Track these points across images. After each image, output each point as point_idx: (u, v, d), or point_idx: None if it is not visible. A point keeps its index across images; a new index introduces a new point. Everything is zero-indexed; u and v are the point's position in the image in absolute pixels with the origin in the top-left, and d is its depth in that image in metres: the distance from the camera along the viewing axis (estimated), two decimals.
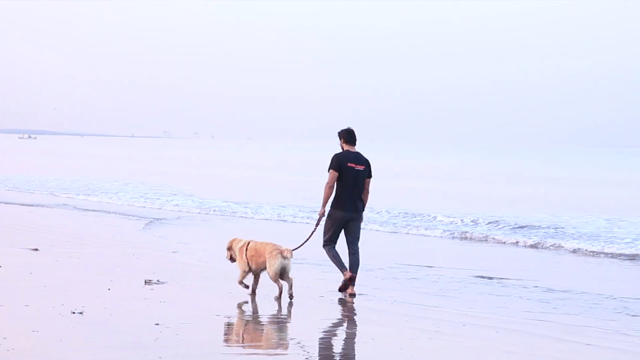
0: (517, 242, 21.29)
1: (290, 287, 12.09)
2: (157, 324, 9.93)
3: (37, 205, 28.26)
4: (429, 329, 10.49)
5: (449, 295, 13.28)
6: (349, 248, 12.90)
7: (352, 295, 12.58)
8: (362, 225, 13.37)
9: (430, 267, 16.39)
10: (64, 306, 10.71)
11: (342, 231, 12.93)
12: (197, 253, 17.23)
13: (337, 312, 11.71)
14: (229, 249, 12.59)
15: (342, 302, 12.31)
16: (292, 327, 10.70)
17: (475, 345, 9.80)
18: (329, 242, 12.93)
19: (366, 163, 12.88)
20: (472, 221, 24.90)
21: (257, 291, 12.38)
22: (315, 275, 14.77)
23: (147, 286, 12.70)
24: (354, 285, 12.68)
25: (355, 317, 11.47)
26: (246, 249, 12.27)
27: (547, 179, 59.89)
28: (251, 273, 12.33)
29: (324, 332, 10.32)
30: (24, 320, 9.86)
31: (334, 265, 12.96)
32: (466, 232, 22.90)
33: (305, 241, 12.83)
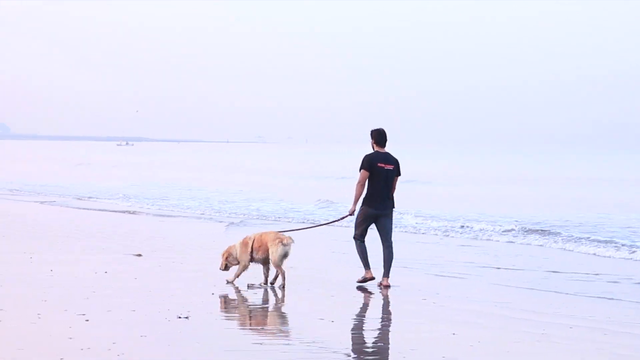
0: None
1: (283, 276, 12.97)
2: (261, 328, 10.00)
3: (138, 213, 28.74)
4: (534, 331, 10.31)
5: (553, 297, 13.06)
6: (382, 242, 13.51)
7: (387, 286, 13.22)
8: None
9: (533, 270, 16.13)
10: (170, 311, 10.85)
11: (375, 227, 13.54)
12: (299, 259, 17.28)
13: (438, 315, 11.55)
14: (227, 257, 13.33)
15: (439, 306, 12.13)
16: (396, 332, 10.60)
17: (586, 348, 9.59)
18: (359, 237, 13.57)
19: (395, 163, 13.51)
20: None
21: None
22: (418, 279, 14.67)
23: (249, 290, 12.79)
24: (388, 277, 13.37)
25: (456, 319, 11.32)
26: (252, 242, 13.11)
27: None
28: (261, 265, 13.20)
29: (426, 333, 10.22)
30: (132, 325, 10.02)
31: (359, 259, 13.55)
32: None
33: (311, 227, 14.06)
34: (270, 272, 13.29)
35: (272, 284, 13.22)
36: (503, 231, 22.57)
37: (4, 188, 40.36)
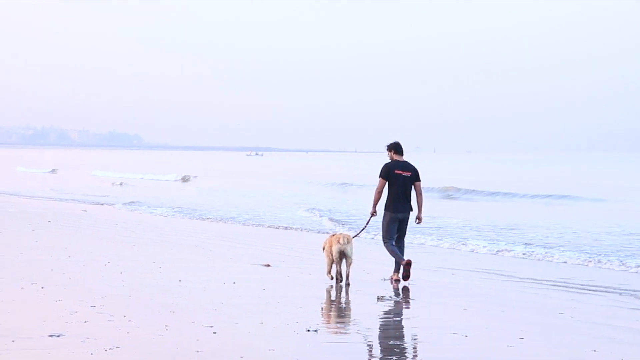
0: None
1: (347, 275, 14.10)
2: (393, 343, 9.61)
3: (261, 224, 28.74)
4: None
5: None
6: (396, 242, 14.74)
7: (398, 280, 14.49)
8: None
9: None
10: (298, 324, 10.59)
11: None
12: (427, 267, 16.85)
13: (575, 330, 10.94)
14: (324, 248, 14.60)
15: (577, 320, 11.51)
16: (534, 347, 10.06)
17: None
18: (387, 239, 14.68)
19: (413, 169, 14.69)
20: None
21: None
22: (496, 285, 14.06)
23: (380, 302, 12.44)
24: (399, 272, 14.57)
25: (595, 334, 10.69)
26: (328, 242, 14.41)
27: None
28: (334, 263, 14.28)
29: (565, 348, 9.65)
30: (259, 338, 9.77)
31: (393, 257, 14.67)
32: None
33: (359, 233, 15.50)
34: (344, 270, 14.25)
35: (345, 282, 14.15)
36: None
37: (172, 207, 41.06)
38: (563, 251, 19.71)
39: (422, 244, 21.61)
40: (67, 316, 10.57)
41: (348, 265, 14.11)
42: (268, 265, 16.19)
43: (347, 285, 13.94)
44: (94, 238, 20.79)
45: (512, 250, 19.92)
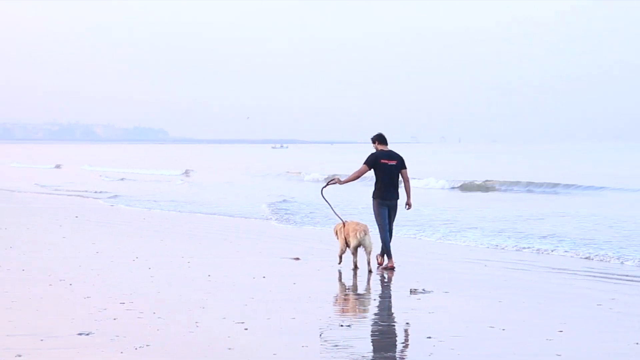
0: None
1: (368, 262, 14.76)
2: (429, 337, 9.37)
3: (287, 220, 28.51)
4: None
5: None
6: None
7: (392, 268, 14.78)
8: None
9: None
10: (331, 318, 10.38)
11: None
12: (459, 260, 16.60)
13: (616, 323, 10.66)
14: (336, 233, 15.27)
15: (616, 312, 11.22)
16: (574, 339, 9.79)
17: None
18: (382, 227, 15.01)
19: (398, 158, 15.11)
20: None
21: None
22: (530, 276, 13.76)
23: (412, 295, 12.20)
24: (391, 258, 14.94)
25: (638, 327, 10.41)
26: (342, 229, 14.99)
27: None
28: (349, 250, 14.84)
29: (607, 343, 9.37)
30: (292, 334, 9.56)
31: (383, 246, 14.99)
32: None
33: (331, 206, 15.81)
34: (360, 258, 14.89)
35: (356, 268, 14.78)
36: None
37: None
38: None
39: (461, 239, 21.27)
40: (96, 314, 10.41)
41: (368, 253, 14.65)
42: (297, 259, 15.99)
43: (370, 272, 14.36)
44: (120, 234, 20.67)
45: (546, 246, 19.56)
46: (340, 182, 15.36)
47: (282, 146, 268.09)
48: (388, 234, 15.04)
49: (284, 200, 33.16)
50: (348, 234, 14.81)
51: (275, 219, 25.80)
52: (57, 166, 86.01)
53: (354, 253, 14.77)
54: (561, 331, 9.82)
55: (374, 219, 15.24)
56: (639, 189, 40.10)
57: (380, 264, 15.10)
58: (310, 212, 27.70)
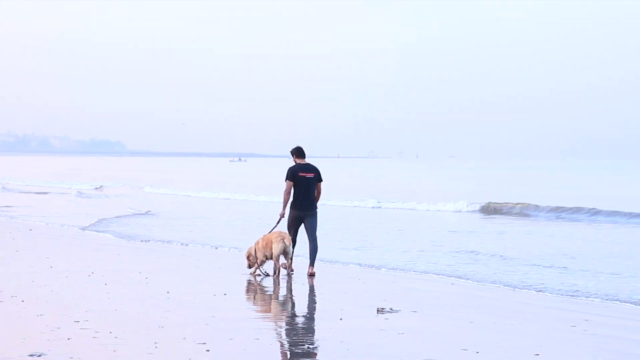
0: None
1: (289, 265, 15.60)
2: None
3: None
4: None
5: None
6: (308, 237, 15.66)
7: (312, 275, 15.48)
8: None
9: None
10: (296, 340, 9.91)
11: (302, 226, 15.73)
12: (424, 278, 16.22)
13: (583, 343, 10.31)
14: (248, 257, 15.63)
15: (591, 334, 10.89)
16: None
17: None
18: (292, 237, 15.52)
19: (315, 170, 15.74)
20: None
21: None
22: (498, 295, 13.44)
23: (380, 315, 11.75)
24: (313, 266, 15.65)
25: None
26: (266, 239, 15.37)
27: None
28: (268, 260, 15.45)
29: None
30: (256, 355, 9.10)
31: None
32: None
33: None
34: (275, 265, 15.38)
35: (268, 275, 15.50)
36: None
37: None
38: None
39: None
40: (49, 333, 9.85)
41: (290, 258, 15.45)
42: (268, 275, 15.55)
43: (292, 271, 15.53)
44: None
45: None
46: (282, 215, 15.78)
47: (240, 159, 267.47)
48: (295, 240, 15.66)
49: None
50: (270, 241, 15.22)
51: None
52: None
53: (277, 258, 15.24)
54: (537, 354, 9.43)
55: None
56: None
57: (285, 268, 15.68)
58: None
